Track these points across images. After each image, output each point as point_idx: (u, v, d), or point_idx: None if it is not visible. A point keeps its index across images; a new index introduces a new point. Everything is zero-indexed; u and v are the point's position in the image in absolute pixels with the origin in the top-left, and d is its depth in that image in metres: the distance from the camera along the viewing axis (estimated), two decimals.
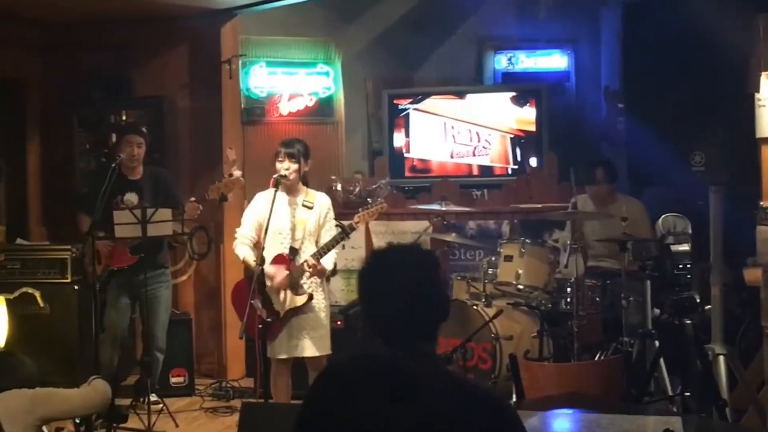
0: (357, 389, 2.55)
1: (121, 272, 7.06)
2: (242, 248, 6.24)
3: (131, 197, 7.08)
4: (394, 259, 2.81)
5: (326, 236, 6.26)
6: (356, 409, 2.50)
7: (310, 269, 6.07)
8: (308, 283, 6.19)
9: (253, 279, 5.92)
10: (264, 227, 5.99)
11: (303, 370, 6.30)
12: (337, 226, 6.25)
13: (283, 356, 6.17)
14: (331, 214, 6.36)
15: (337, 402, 2.56)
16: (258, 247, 6.11)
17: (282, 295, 6.13)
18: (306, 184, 6.38)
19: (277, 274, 6.11)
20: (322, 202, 6.33)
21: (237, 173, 6.98)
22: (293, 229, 6.19)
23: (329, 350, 6.23)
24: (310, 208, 6.24)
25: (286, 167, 6.13)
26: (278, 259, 6.15)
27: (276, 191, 6.07)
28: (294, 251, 6.18)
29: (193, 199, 6.94)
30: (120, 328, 7.12)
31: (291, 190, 6.25)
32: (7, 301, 7.55)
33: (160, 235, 6.86)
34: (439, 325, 2.77)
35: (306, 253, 6.17)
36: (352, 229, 6.19)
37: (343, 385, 2.61)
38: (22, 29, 8.37)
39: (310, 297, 6.14)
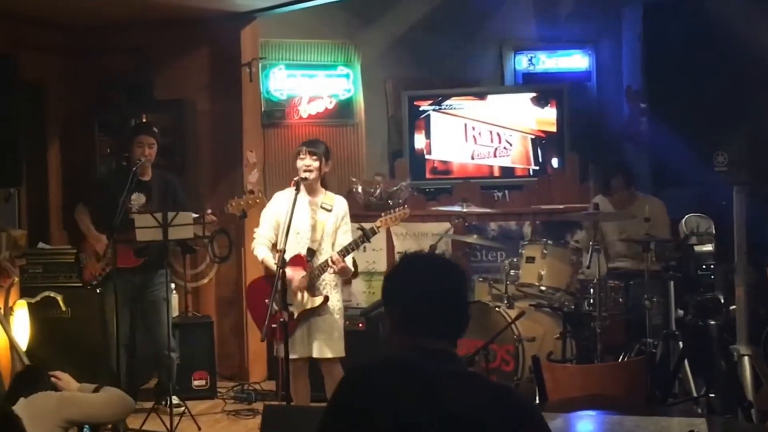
0: (384, 390, 2.55)
1: (122, 273, 7.01)
2: (261, 249, 6.23)
3: (138, 198, 7.08)
4: (425, 263, 2.91)
5: (342, 238, 6.24)
6: (384, 410, 2.51)
7: (334, 265, 6.05)
8: (323, 284, 6.18)
9: (275, 281, 5.87)
10: (284, 228, 5.93)
11: (321, 372, 6.29)
12: (358, 228, 6.22)
13: (296, 355, 6.12)
14: (348, 218, 6.34)
15: (364, 402, 2.57)
16: (276, 248, 6.06)
17: (298, 296, 6.10)
18: (325, 186, 6.36)
19: (294, 276, 6.08)
20: (340, 204, 6.32)
21: (256, 186, 6.96)
22: (312, 230, 6.18)
23: (343, 353, 6.20)
24: (329, 210, 6.23)
25: (307, 164, 6.11)
26: (295, 260, 6.12)
27: (297, 193, 6.03)
28: (311, 252, 6.16)
29: (209, 211, 6.93)
30: (123, 336, 7.10)
31: (310, 191, 6.23)
32: (29, 305, 7.59)
33: (182, 239, 6.88)
34: (457, 334, 2.79)
35: (323, 255, 6.16)
36: (374, 232, 6.15)
37: (371, 386, 2.61)
38: (44, 33, 8.40)
39: (326, 299, 6.12)
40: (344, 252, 6.09)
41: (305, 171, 6.12)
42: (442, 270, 2.81)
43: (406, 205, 6.42)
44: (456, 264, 2.92)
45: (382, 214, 6.28)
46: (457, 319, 2.77)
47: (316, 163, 6.15)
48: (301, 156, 6.14)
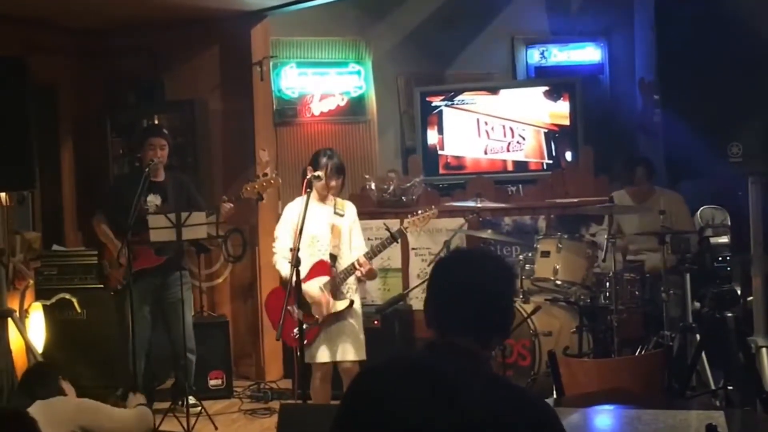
0: (396, 389, 2.53)
1: (143, 274, 7.04)
2: (283, 263, 6.17)
3: (154, 199, 7.10)
4: (464, 258, 2.87)
5: (356, 240, 6.30)
6: (395, 409, 2.49)
7: (361, 268, 6.05)
8: (346, 288, 6.18)
9: (289, 283, 5.84)
10: (298, 227, 5.89)
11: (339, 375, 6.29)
12: (386, 230, 6.19)
13: (324, 360, 6.14)
14: (357, 220, 6.39)
15: (376, 402, 2.55)
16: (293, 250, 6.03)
17: (323, 301, 6.09)
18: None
19: (321, 297, 6.08)
20: (351, 209, 6.36)
21: (267, 167, 6.96)
22: (331, 236, 6.17)
23: (365, 356, 6.19)
24: (342, 215, 6.26)
25: (332, 184, 6.16)
26: (319, 266, 6.14)
27: (309, 193, 6.00)
28: (333, 258, 6.17)
29: (225, 198, 6.93)
30: (144, 338, 7.11)
31: (322, 197, 6.23)
32: (45, 307, 7.61)
33: (196, 239, 6.88)
34: (497, 334, 2.76)
35: (343, 259, 6.17)
36: (401, 234, 6.15)
37: (376, 387, 2.59)
38: (56, 36, 8.42)
39: (351, 302, 6.12)
40: (370, 255, 6.09)
41: (331, 188, 6.17)
42: (478, 266, 2.76)
43: (433, 206, 6.38)
44: (503, 263, 2.86)
45: (409, 215, 6.27)
46: (487, 317, 2.70)
47: (340, 181, 6.22)
48: (329, 174, 6.14)
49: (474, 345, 2.67)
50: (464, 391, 2.49)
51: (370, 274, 6.20)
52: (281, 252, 6.23)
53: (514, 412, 2.48)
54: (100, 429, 4.59)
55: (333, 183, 6.16)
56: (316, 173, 6.08)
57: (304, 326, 5.83)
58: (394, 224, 6.33)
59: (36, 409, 4.20)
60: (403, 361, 2.68)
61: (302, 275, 5.85)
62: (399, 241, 6.23)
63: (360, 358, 6.16)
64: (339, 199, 6.35)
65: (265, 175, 6.88)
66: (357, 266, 6.07)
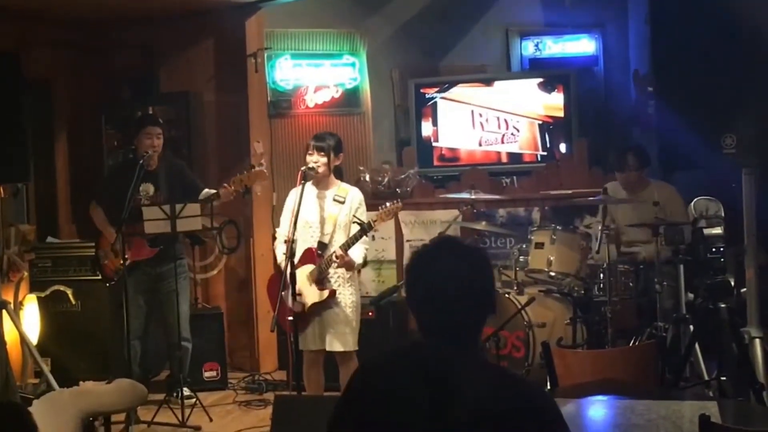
0: (398, 381, 2.53)
1: (138, 265, 7.07)
2: (278, 249, 6.26)
3: (147, 188, 7.11)
4: (444, 250, 2.77)
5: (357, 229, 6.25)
6: (392, 407, 2.49)
7: (338, 260, 6.05)
8: (335, 278, 6.17)
9: (283, 273, 5.89)
10: (292, 218, 5.94)
11: (336, 363, 6.29)
12: (354, 222, 6.17)
13: (311, 348, 6.17)
14: (363, 209, 6.26)
15: (374, 400, 2.56)
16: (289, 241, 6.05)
17: (308, 289, 6.11)
18: (340, 178, 6.35)
19: (303, 290, 6.09)
20: (353, 196, 6.27)
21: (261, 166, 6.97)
22: (322, 223, 6.17)
23: (355, 347, 6.18)
24: (342, 202, 6.20)
25: (314, 160, 6.10)
26: (307, 254, 6.14)
27: (304, 184, 6.03)
28: (323, 246, 6.15)
29: (225, 184, 6.91)
30: (138, 325, 7.11)
31: (321, 184, 6.22)
32: (39, 299, 7.61)
33: (191, 230, 6.88)
34: (485, 318, 2.72)
35: (334, 247, 6.13)
36: (370, 227, 6.12)
37: (381, 383, 2.59)
38: (51, 29, 8.41)
39: (332, 293, 6.11)
40: (346, 246, 6.08)
41: (319, 166, 6.12)
42: (458, 257, 2.72)
43: (399, 200, 6.34)
44: (477, 248, 2.84)
45: (380, 207, 6.25)
46: (476, 308, 2.67)
47: (324, 159, 6.13)
48: (309, 152, 6.14)
49: (468, 336, 2.66)
50: (465, 380, 2.49)
51: (348, 266, 6.15)
52: (281, 238, 6.26)
53: (514, 400, 2.49)
54: (102, 407, 4.62)
55: (314, 159, 6.11)
56: (310, 165, 6.08)
57: (297, 311, 5.91)
58: None
59: (38, 408, 4.23)
60: (404, 353, 2.67)
61: (297, 262, 5.97)
62: (369, 233, 6.18)
63: (347, 349, 6.15)
64: (343, 185, 6.33)
65: (253, 167, 6.88)
66: (334, 258, 6.07)
